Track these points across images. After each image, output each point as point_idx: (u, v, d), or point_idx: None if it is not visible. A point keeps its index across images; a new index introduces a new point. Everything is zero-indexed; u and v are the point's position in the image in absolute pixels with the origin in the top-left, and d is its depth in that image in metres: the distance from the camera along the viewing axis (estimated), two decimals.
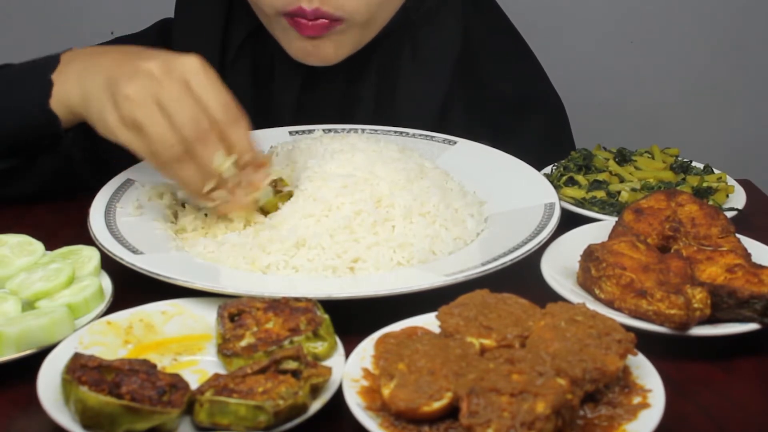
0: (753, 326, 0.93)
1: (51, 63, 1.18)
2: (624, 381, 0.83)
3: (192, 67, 1.06)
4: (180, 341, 0.93)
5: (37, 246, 1.06)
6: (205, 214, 1.13)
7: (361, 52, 1.35)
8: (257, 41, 1.40)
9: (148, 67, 1.05)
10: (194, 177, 1.05)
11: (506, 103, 1.44)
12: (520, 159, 1.26)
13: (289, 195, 1.11)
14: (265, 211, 1.11)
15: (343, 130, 1.33)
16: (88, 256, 1.04)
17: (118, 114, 1.06)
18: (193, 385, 0.83)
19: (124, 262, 1.02)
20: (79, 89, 1.14)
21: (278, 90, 1.41)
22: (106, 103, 1.07)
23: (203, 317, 0.96)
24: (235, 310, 0.93)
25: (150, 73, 1.05)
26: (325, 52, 1.28)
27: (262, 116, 1.38)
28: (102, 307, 0.97)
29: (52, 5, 2.50)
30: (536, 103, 1.48)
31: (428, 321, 0.90)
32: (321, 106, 1.41)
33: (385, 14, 1.32)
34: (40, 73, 1.18)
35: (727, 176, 1.27)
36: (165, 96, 1.04)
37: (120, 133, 1.06)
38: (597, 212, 1.19)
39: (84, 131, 1.19)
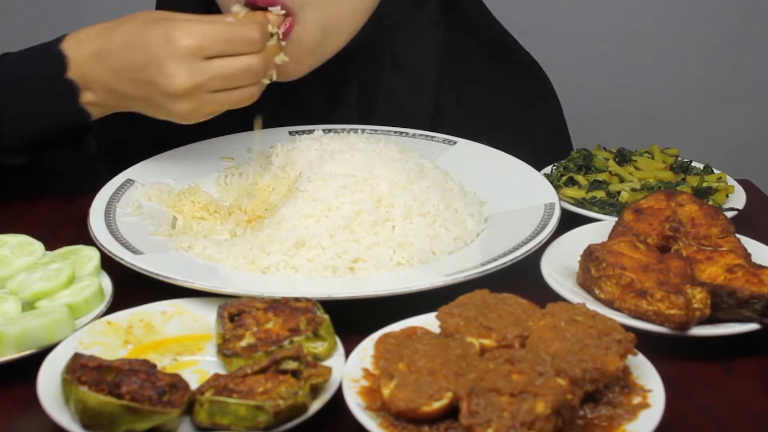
0: (753, 326, 0.93)
1: (58, 61, 1.17)
2: (624, 381, 0.83)
3: (187, 48, 1.10)
4: (180, 341, 0.93)
5: (37, 246, 1.06)
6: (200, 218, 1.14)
7: (341, 65, 1.31)
8: None
9: (178, 107, 1.12)
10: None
11: (502, 98, 1.43)
12: (519, 152, 1.26)
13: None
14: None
15: (343, 130, 1.33)
16: (88, 256, 1.04)
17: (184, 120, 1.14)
18: (193, 385, 0.83)
19: (124, 262, 1.02)
20: (113, 103, 1.18)
21: (256, 107, 1.39)
22: (165, 114, 1.15)
23: (203, 317, 0.96)
24: (235, 310, 0.93)
25: (179, 107, 1.12)
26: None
27: (241, 130, 1.36)
28: (102, 307, 0.97)
29: (52, 5, 2.50)
30: (533, 97, 1.47)
31: (428, 321, 0.90)
32: (302, 122, 1.37)
33: (344, 21, 1.27)
34: (56, 73, 1.17)
35: (727, 176, 1.27)
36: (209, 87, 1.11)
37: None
38: (597, 212, 1.19)
39: (106, 123, 1.21)
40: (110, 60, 1.15)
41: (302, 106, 1.38)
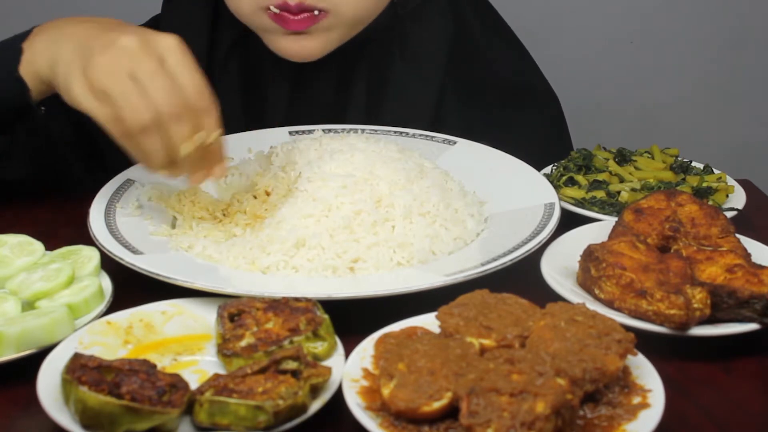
0: (753, 326, 0.93)
1: (23, 34, 1.15)
2: (624, 381, 0.83)
3: (169, 46, 1.03)
4: (180, 341, 0.93)
5: (37, 246, 1.06)
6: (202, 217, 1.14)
7: (351, 54, 1.33)
8: (245, 46, 1.38)
9: (124, 41, 1.03)
10: (158, 152, 1.02)
11: (503, 96, 1.44)
12: (520, 151, 1.26)
13: None
14: None
15: (343, 130, 1.33)
16: (88, 256, 1.04)
17: (86, 81, 1.03)
18: (193, 385, 0.83)
19: (124, 262, 1.02)
20: (49, 55, 1.10)
21: (267, 96, 1.40)
22: (74, 70, 1.04)
23: (203, 317, 0.96)
24: (235, 310, 0.93)
25: (126, 46, 1.02)
26: (309, 47, 1.27)
27: (251, 122, 1.37)
28: (102, 307, 0.97)
29: (53, 5, 2.50)
30: (533, 96, 1.47)
31: (428, 321, 0.90)
32: (311, 111, 1.39)
33: (372, 12, 1.30)
34: (11, 43, 1.15)
35: (727, 176, 1.27)
36: (139, 70, 1.01)
37: (83, 100, 1.03)
38: (597, 212, 1.19)
39: (61, 106, 1.18)
40: (69, 22, 1.11)
41: (311, 96, 1.38)
